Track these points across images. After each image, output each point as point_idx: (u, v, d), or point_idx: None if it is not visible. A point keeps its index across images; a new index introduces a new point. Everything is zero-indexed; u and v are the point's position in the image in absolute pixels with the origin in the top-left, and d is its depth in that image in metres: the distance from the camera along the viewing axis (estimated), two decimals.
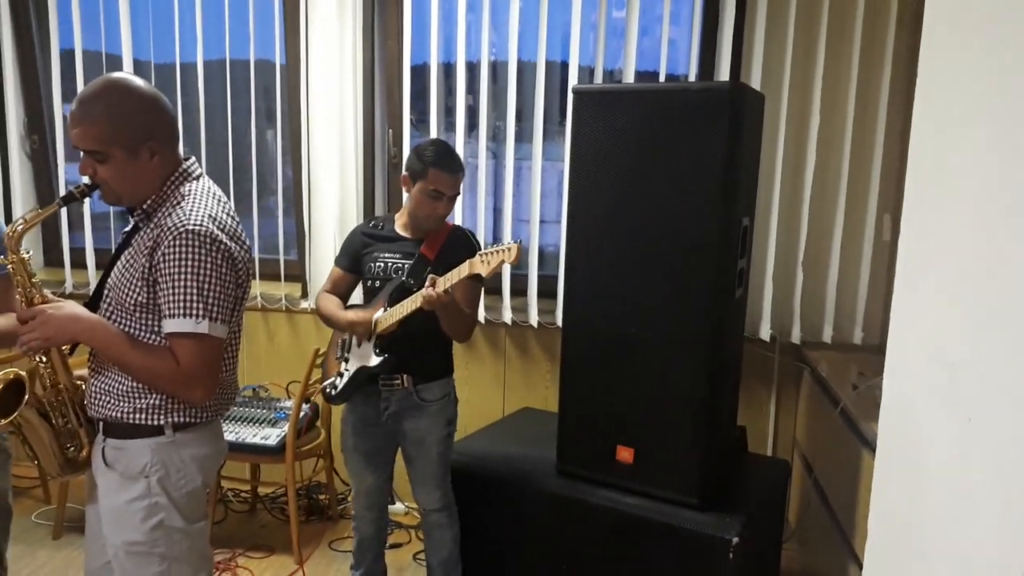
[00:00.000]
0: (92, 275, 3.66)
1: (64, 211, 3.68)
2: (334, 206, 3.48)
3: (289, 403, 3.32)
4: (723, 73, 3.13)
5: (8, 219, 3.70)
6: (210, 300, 1.63)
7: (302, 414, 3.12)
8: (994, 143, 0.97)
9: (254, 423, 3.22)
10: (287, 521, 3.32)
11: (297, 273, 3.61)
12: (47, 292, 1.73)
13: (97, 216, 3.73)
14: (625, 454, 2.51)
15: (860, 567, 2.31)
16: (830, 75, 3.04)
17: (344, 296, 2.60)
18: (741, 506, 2.44)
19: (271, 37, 3.48)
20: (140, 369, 1.66)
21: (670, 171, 2.33)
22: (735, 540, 2.27)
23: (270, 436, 3.12)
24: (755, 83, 3.04)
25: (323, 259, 3.52)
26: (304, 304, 3.61)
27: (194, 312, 1.62)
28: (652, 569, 2.41)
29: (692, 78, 3.23)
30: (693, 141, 2.28)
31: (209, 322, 1.63)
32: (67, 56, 3.60)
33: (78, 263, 3.74)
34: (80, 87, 3.55)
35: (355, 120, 3.42)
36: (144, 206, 1.72)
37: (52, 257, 3.87)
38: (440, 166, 2.39)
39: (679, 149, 2.30)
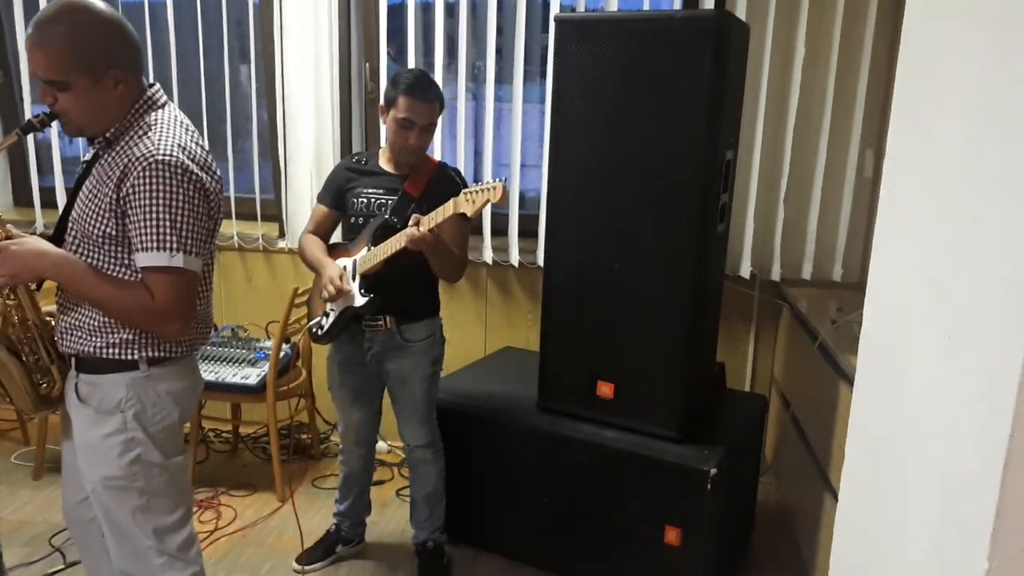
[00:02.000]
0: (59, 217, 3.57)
1: (33, 154, 3.61)
2: (310, 144, 3.40)
3: (268, 343, 3.30)
4: (708, 6, 3.06)
5: None
6: (184, 233, 1.59)
7: (282, 354, 3.11)
8: (982, 51, 0.94)
9: (234, 363, 3.20)
10: (269, 460, 3.33)
11: (274, 213, 3.56)
12: (11, 227, 1.68)
13: (68, 160, 3.63)
14: (605, 389, 2.52)
15: (835, 498, 2.36)
16: (815, 6, 2.99)
17: (327, 235, 2.55)
18: (719, 439, 2.47)
19: None
20: (112, 304, 1.62)
21: (653, 103, 2.29)
22: (713, 471, 2.30)
23: (250, 376, 3.11)
24: (740, 14, 2.98)
25: (300, 198, 3.46)
26: (281, 244, 3.57)
27: (168, 245, 1.57)
28: (632, 501, 2.45)
29: None
30: (677, 72, 2.23)
31: (184, 255, 1.59)
32: None
33: (48, 203, 3.66)
34: None
35: (330, 56, 3.33)
36: (107, 134, 1.65)
37: (21, 196, 3.78)
38: (411, 93, 2.30)
39: (663, 80, 2.26)
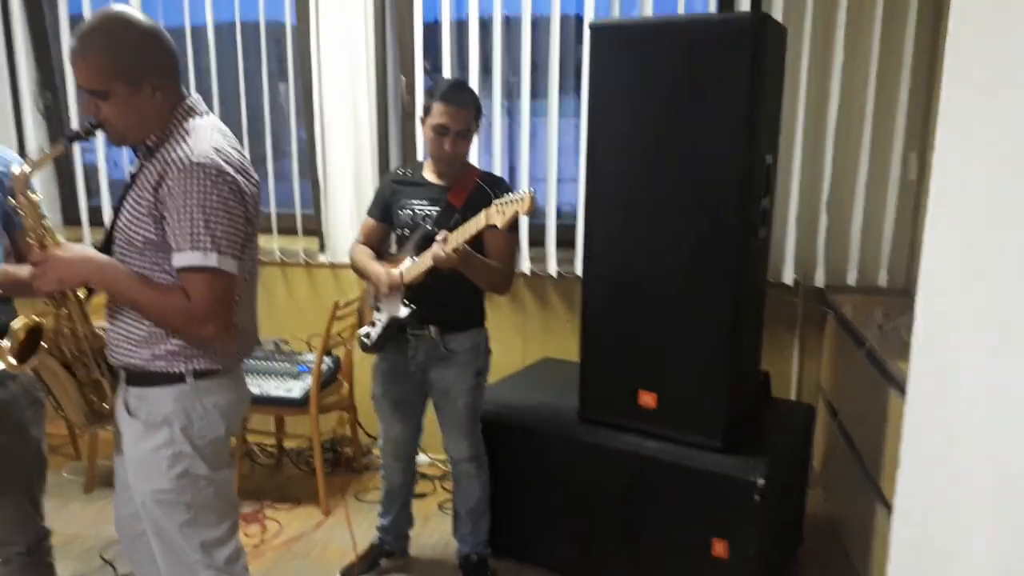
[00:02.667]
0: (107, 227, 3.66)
1: (81, 175, 3.71)
2: (348, 159, 3.45)
3: (310, 356, 3.33)
4: (743, 9, 3.03)
5: None
6: (218, 233, 1.59)
7: (324, 367, 3.13)
8: None
9: (277, 376, 3.23)
10: (312, 473, 3.35)
11: (314, 227, 3.60)
12: (59, 235, 1.72)
13: (114, 183, 3.73)
14: (648, 399, 2.49)
15: (888, 508, 2.30)
16: (854, 7, 2.94)
17: (377, 247, 2.57)
18: (765, 449, 2.42)
19: None
20: (151, 307, 1.64)
21: (691, 107, 2.27)
22: (760, 482, 2.25)
23: (293, 388, 3.14)
24: (777, 16, 2.94)
25: (339, 212, 3.51)
26: (322, 258, 3.60)
27: (202, 245, 1.58)
28: (677, 513, 2.41)
29: None
30: (715, 75, 2.22)
31: (218, 255, 1.59)
32: (76, 20, 3.57)
33: (96, 222, 3.76)
34: None
35: (367, 73, 3.37)
36: (148, 143, 1.68)
37: (70, 215, 3.88)
38: (445, 99, 2.31)
39: (700, 84, 2.24)
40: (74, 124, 3.68)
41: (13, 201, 1.68)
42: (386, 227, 2.55)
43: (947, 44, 1.22)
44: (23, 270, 1.88)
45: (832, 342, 3.21)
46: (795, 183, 3.09)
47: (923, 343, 1.24)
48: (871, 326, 2.67)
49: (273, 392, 3.13)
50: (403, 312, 2.36)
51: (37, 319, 1.72)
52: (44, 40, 3.74)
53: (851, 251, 3.14)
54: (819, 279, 3.17)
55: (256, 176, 1.74)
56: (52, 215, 3.82)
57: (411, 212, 2.46)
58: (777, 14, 2.95)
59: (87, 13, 3.52)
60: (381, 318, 2.45)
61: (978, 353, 1.02)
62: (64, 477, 3.43)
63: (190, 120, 1.69)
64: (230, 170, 1.62)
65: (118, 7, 1.66)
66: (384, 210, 2.53)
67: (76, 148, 3.71)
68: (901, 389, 2.19)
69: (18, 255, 2.03)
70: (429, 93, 2.37)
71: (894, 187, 3.06)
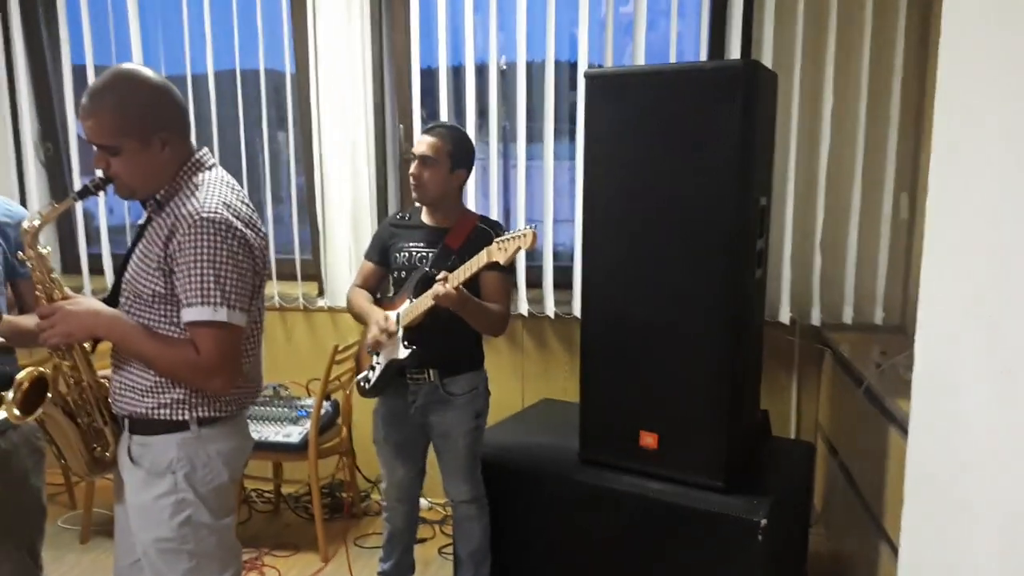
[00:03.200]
0: (110, 280, 3.68)
1: (81, 224, 3.73)
2: (347, 205, 3.49)
3: (309, 401, 3.32)
4: (734, 56, 3.11)
5: None
6: (227, 288, 1.62)
7: (323, 411, 3.13)
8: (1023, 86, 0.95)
9: (276, 421, 3.22)
10: (311, 520, 3.32)
11: (313, 272, 3.62)
12: (67, 288, 1.73)
13: (113, 229, 3.76)
14: (649, 439, 2.50)
15: (891, 545, 2.29)
16: (842, 52, 3.02)
17: (374, 290, 2.60)
18: (767, 489, 2.42)
19: (280, 46, 3.49)
20: (159, 360, 1.65)
21: (685, 152, 2.31)
22: (763, 522, 2.25)
23: (292, 434, 3.13)
24: (767, 63, 3.02)
25: (338, 257, 3.53)
26: (321, 302, 3.62)
27: (212, 300, 1.60)
28: (680, 554, 2.40)
29: None
30: (707, 121, 2.26)
31: (228, 310, 1.62)
32: (79, 71, 3.63)
33: (96, 270, 3.77)
34: None
35: (365, 121, 3.43)
36: (157, 196, 1.70)
37: (69, 263, 3.89)
38: (422, 131, 2.48)
39: (693, 130, 2.29)
40: (77, 178, 3.71)
41: (22, 255, 1.70)
42: (384, 270, 2.58)
43: (938, 80, 1.26)
44: (28, 320, 1.90)
45: (830, 379, 3.22)
46: (789, 223, 3.14)
47: (923, 380, 1.26)
48: (869, 364, 2.69)
49: (272, 437, 3.12)
50: (403, 353, 2.38)
51: (42, 370, 1.73)
52: (47, 91, 3.80)
53: (846, 289, 3.17)
54: (815, 317, 3.20)
55: (264, 229, 1.76)
56: (53, 264, 3.84)
57: (408, 254, 2.49)
58: (767, 60, 3.02)
59: (90, 64, 3.58)
60: (380, 361, 2.46)
61: (979, 389, 1.04)
62: (60, 527, 3.40)
63: (199, 175, 1.72)
64: (239, 224, 1.65)
65: (128, 65, 1.70)
66: (382, 253, 2.56)
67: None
68: (901, 427, 2.20)
69: (21, 304, 2.05)
70: (408, 138, 2.47)
71: (886, 226, 3.11)
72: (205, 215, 1.61)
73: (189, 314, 1.62)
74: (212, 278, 1.60)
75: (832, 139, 3.07)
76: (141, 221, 1.80)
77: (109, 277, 3.70)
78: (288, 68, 3.53)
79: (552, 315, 3.38)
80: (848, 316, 3.18)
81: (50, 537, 3.24)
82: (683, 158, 2.32)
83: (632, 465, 2.52)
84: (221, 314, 1.61)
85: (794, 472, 2.71)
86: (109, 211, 3.79)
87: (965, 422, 1.09)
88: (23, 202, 3.74)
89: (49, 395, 1.71)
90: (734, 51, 3.10)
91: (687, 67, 2.62)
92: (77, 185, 3.71)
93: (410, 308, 2.37)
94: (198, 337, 1.63)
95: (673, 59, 3.20)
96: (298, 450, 3.10)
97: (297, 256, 3.61)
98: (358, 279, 2.61)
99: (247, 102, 3.54)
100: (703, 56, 3.23)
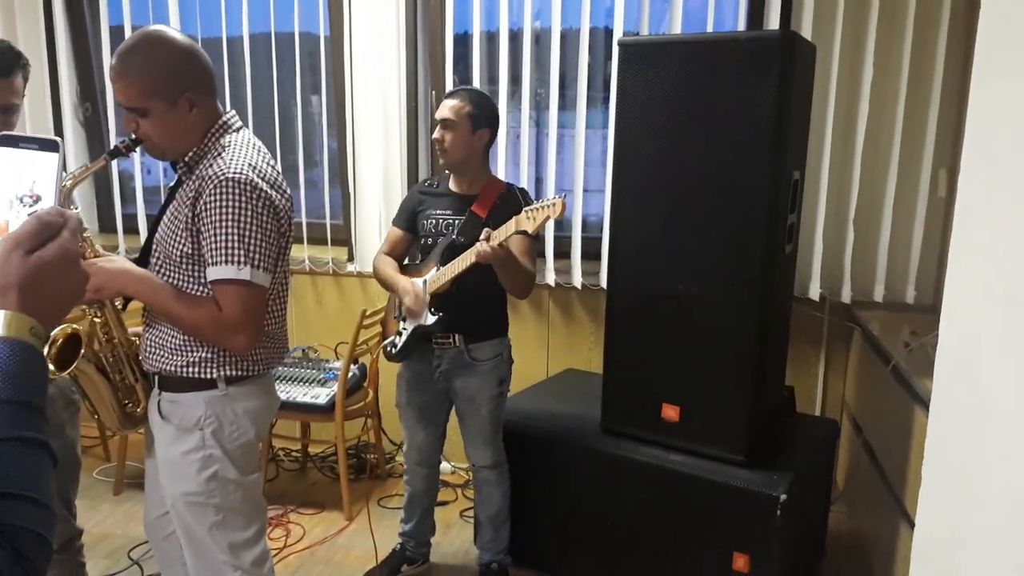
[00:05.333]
0: (144, 240, 3.74)
1: (117, 184, 3.80)
2: (378, 171, 3.50)
3: (337, 364, 3.37)
4: (772, 26, 3.05)
5: None
6: (251, 247, 1.64)
7: (350, 374, 3.17)
8: None
9: (304, 383, 3.28)
10: (336, 479, 3.39)
11: (343, 237, 3.65)
12: (98, 246, 1.77)
13: (148, 190, 3.81)
14: (671, 412, 2.50)
15: (911, 526, 2.28)
16: (884, 24, 2.94)
17: (401, 257, 2.62)
18: (789, 464, 2.42)
19: (315, 9, 3.48)
20: (184, 318, 1.69)
21: (718, 124, 2.28)
22: (783, 497, 2.25)
23: (320, 395, 3.18)
24: (806, 34, 2.95)
25: (368, 223, 3.56)
26: (351, 267, 3.65)
27: (236, 259, 1.63)
28: (699, 526, 2.41)
29: None
30: (742, 93, 2.23)
31: (251, 269, 1.64)
32: (116, 32, 3.66)
33: (130, 229, 3.83)
34: None
35: (398, 86, 3.42)
36: (186, 159, 1.73)
37: (106, 223, 3.97)
38: (445, 96, 2.46)
39: (728, 101, 2.26)
40: (114, 138, 3.77)
41: None
42: (411, 237, 2.60)
43: (975, 60, 1.23)
44: None
45: (858, 358, 3.19)
46: (823, 198, 3.09)
47: (947, 361, 1.25)
48: (898, 343, 2.66)
49: (300, 398, 3.18)
50: (430, 320, 2.40)
51: (76, 327, 1.78)
52: (85, 52, 3.84)
53: (878, 267, 3.13)
54: (845, 295, 3.16)
55: (289, 191, 1.78)
56: (89, 223, 3.92)
57: (435, 221, 2.50)
58: (806, 32, 2.96)
59: (128, 25, 3.61)
60: (407, 327, 2.49)
61: (1003, 372, 1.03)
62: (94, 478, 3.50)
63: (226, 136, 1.74)
64: (264, 185, 1.67)
65: (156, 27, 1.72)
66: (410, 220, 2.58)
67: None
68: (927, 407, 2.18)
69: None
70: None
71: (922, 203, 3.05)
72: (231, 175, 1.63)
73: (213, 272, 1.65)
74: (236, 237, 1.63)
75: (870, 113, 3.00)
76: (172, 183, 1.83)
77: (144, 237, 3.75)
78: (322, 31, 3.53)
79: (579, 286, 3.38)
80: (879, 294, 3.14)
81: (85, 488, 3.37)
82: (716, 129, 2.29)
83: (653, 437, 2.53)
84: (244, 272, 1.64)
85: (817, 449, 2.71)
86: (146, 172, 3.85)
87: (985, 406, 1.08)
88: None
89: (83, 351, 1.75)
90: (773, 21, 3.04)
91: (723, 37, 2.58)
92: (113, 143, 3.76)
93: (438, 274, 2.39)
94: (221, 295, 1.66)
95: (710, 28, 3.14)
96: (325, 411, 3.16)
97: (328, 221, 3.65)
98: (385, 246, 2.63)
99: (281, 65, 3.55)
100: (741, 25, 3.17)
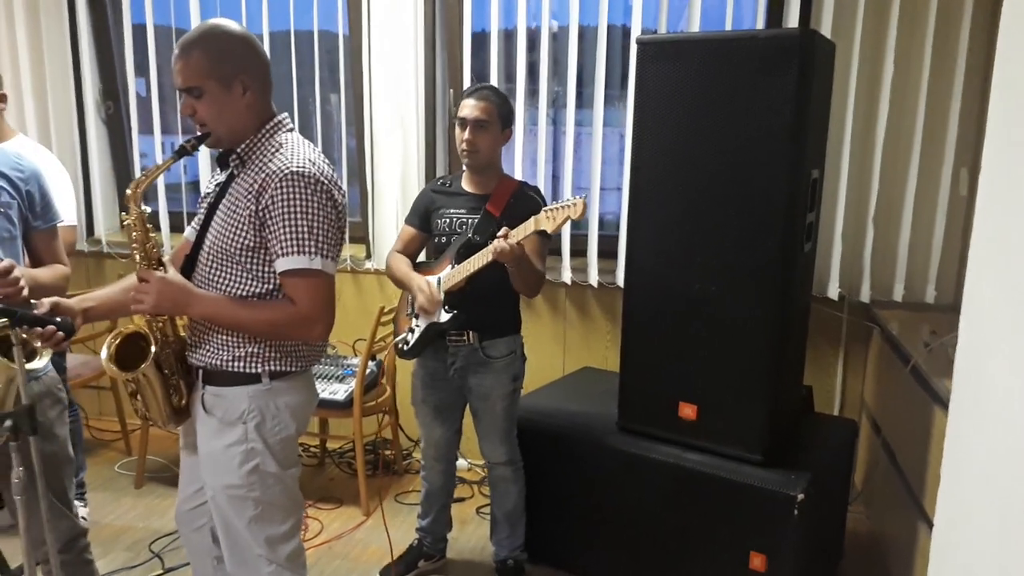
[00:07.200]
0: (165, 236, 3.79)
1: None
2: (396, 169, 3.52)
3: (355, 360, 3.40)
4: (792, 24, 3.03)
5: (87, 180, 3.85)
6: (320, 238, 1.68)
7: (368, 371, 3.19)
8: None
9: (322, 379, 3.30)
10: (354, 475, 3.41)
11: (361, 235, 3.67)
12: (164, 256, 1.79)
13: (170, 187, 3.85)
14: (688, 411, 2.50)
15: (930, 527, 2.26)
16: (905, 21, 2.92)
17: (414, 255, 2.63)
18: (806, 464, 2.41)
19: (334, 8, 3.50)
20: (256, 323, 1.72)
21: (736, 122, 2.28)
22: (800, 497, 2.24)
23: (338, 392, 3.21)
24: (825, 31, 2.94)
25: (386, 220, 3.58)
26: (368, 265, 3.68)
27: (306, 249, 1.66)
28: (716, 525, 2.41)
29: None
30: (762, 91, 2.22)
31: (321, 259, 1.68)
32: (139, 30, 3.70)
33: (153, 226, 3.86)
34: (152, 59, 3.67)
35: (416, 85, 3.44)
36: (239, 150, 1.76)
37: None
38: (466, 95, 2.45)
39: (746, 100, 2.25)
40: (136, 136, 3.80)
41: (123, 215, 1.76)
42: (424, 236, 2.61)
43: (996, 58, 1.22)
44: (44, 273, 2.01)
45: (877, 358, 3.17)
46: (842, 197, 3.08)
47: (966, 361, 1.24)
48: (917, 343, 2.64)
49: (319, 394, 3.20)
50: (444, 317, 2.41)
51: (137, 326, 1.80)
52: (108, 51, 3.88)
53: (898, 266, 3.11)
54: (865, 294, 3.15)
55: (344, 188, 1.82)
56: (111, 219, 3.97)
57: (449, 220, 2.51)
58: (826, 29, 2.94)
59: (149, 23, 3.64)
60: (419, 324, 2.51)
61: (1022, 373, 1.02)
62: (116, 472, 3.55)
63: (281, 135, 1.79)
64: (325, 180, 1.71)
65: (215, 19, 1.78)
66: (423, 219, 2.59)
67: (135, 154, 3.85)
68: (947, 408, 2.16)
69: (34, 257, 2.08)
70: (459, 99, 2.46)
71: (943, 202, 3.02)
72: (295, 169, 1.67)
73: (284, 263, 1.68)
74: (305, 229, 1.66)
75: (891, 110, 2.98)
76: (220, 179, 1.84)
77: (166, 234, 3.80)
78: (341, 30, 3.55)
79: (595, 284, 3.38)
80: (899, 294, 3.12)
81: (107, 482, 3.43)
82: (734, 128, 2.28)
83: (670, 435, 2.53)
84: (316, 263, 1.67)
85: (835, 449, 2.69)
86: (168, 171, 3.89)
87: (1005, 407, 1.08)
88: (84, 158, 3.86)
89: (153, 351, 1.77)
90: (792, 19, 3.03)
91: (741, 35, 2.56)
92: (135, 142, 3.81)
93: (453, 272, 2.40)
94: (294, 287, 1.69)
95: (729, 26, 3.13)
96: (343, 407, 3.18)
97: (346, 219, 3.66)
98: (398, 244, 2.64)
99: (301, 63, 3.58)
100: (760, 23, 3.16)
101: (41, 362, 1.83)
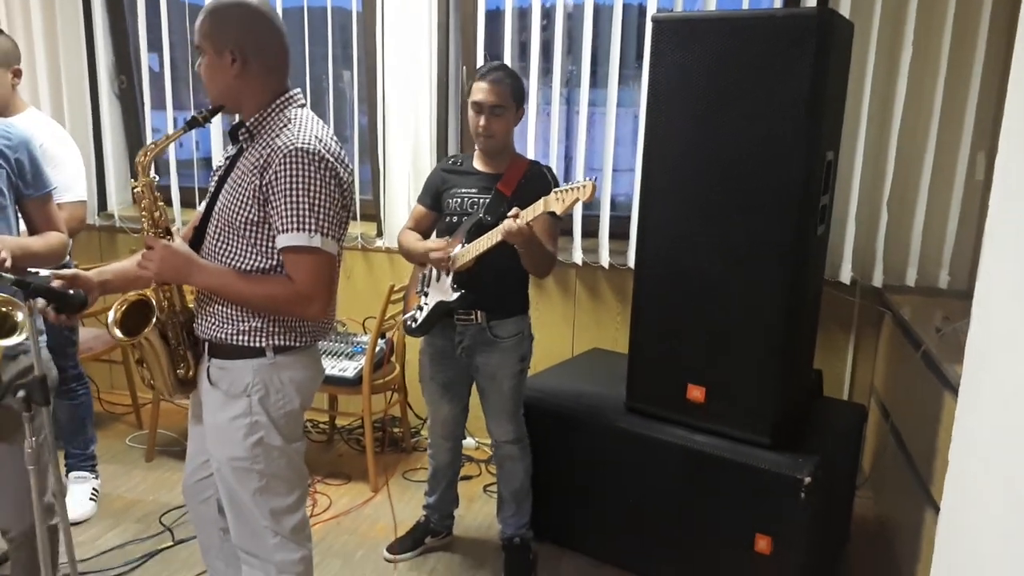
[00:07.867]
0: (176, 211, 3.80)
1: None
2: (408, 147, 3.51)
3: (365, 338, 3.41)
4: (810, 3, 2.99)
5: (100, 154, 3.86)
6: (321, 216, 1.68)
7: (378, 348, 3.21)
8: None
9: (332, 356, 3.32)
10: (363, 451, 3.44)
11: (372, 213, 3.67)
12: (172, 225, 1.81)
13: (182, 163, 3.85)
14: (696, 393, 2.50)
15: (937, 512, 2.26)
16: (925, 3, 2.87)
17: (426, 233, 2.63)
18: (814, 447, 2.41)
19: None
20: (256, 297, 1.73)
21: (752, 102, 2.26)
22: (807, 480, 2.25)
23: (348, 369, 3.22)
24: (844, 11, 2.90)
25: (397, 199, 3.57)
26: (379, 243, 3.68)
27: (306, 226, 1.66)
28: (722, 507, 2.42)
29: None
30: (778, 71, 2.20)
31: (321, 237, 1.68)
32: (152, 5, 3.69)
33: (164, 201, 3.87)
34: (165, 36, 3.66)
35: (429, 62, 3.42)
36: (248, 124, 1.77)
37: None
38: (481, 77, 2.41)
39: (762, 80, 2.23)
40: (148, 111, 3.80)
41: (133, 183, 1.77)
42: (435, 215, 2.61)
43: (1017, 41, 1.20)
44: (36, 242, 2.02)
45: (888, 343, 3.16)
46: (856, 180, 3.05)
47: (977, 347, 1.23)
48: (929, 329, 2.62)
49: (328, 371, 3.20)
50: (452, 296, 2.42)
51: (142, 294, 1.81)
52: (121, 26, 3.87)
53: (911, 251, 3.08)
54: (877, 278, 3.12)
55: (351, 167, 1.81)
56: (123, 193, 3.98)
57: (460, 200, 2.50)
58: (844, 9, 2.90)
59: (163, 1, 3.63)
60: (428, 302, 2.51)
61: None
62: (127, 445, 3.59)
63: (291, 110, 1.78)
64: (331, 158, 1.70)
65: None
66: (434, 198, 2.59)
67: (147, 129, 3.86)
68: (957, 393, 2.16)
69: (29, 225, 2.09)
70: (471, 77, 2.41)
71: (959, 187, 2.99)
72: (300, 146, 1.67)
73: (284, 240, 1.68)
74: (307, 206, 1.66)
75: (908, 92, 2.94)
76: (230, 153, 1.85)
77: (176, 209, 3.81)
78: (355, 6, 3.53)
79: (606, 265, 3.37)
80: (911, 278, 3.09)
81: (118, 455, 3.47)
82: (749, 108, 2.26)
83: (678, 417, 2.53)
84: (316, 240, 1.67)
85: (843, 433, 2.69)
86: (179, 145, 3.89)
87: (1015, 393, 1.07)
88: (96, 132, 3.87)
89: (156, 318, 1.79)
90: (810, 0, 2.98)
91: (758, 14, 2.53)
92: (148, 118, 3.81)
93: (463, 251, 2.40)
94: (293, 264, 1.70)
95: (746, 5, 3.10)
96: (352, 384, 3.20)
97: (357, 196, 3.66)
98: (410, 222, 2.64)
99: (314, 40, 3.56)
100: (777, 2, 3.12)
101: (19, 338, 1.77)
